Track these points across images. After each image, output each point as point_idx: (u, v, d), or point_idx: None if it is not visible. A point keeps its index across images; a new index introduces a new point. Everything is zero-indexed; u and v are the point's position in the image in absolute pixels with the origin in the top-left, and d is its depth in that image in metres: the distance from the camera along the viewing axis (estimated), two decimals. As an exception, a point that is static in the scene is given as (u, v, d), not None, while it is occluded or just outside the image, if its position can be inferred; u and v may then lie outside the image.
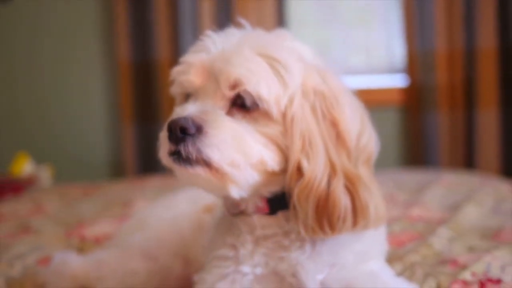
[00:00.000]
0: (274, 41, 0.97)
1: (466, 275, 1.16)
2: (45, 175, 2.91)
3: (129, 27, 3.17)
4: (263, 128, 0.93)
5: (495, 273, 1.16)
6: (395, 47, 3.29)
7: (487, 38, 3.02)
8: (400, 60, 3.25)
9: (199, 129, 0.90)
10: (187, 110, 0.93)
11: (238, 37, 0.98)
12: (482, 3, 3.01)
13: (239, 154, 0.91)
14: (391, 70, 3.33)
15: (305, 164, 0.92)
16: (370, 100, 3.35)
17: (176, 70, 1.00)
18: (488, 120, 3.05)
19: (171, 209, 1.37)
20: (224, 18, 3.15)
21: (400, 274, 1.18)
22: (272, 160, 0.94)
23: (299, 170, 0.93)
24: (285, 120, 0.94)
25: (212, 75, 0.94)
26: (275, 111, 0.93)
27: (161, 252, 1.27)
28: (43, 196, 2.44)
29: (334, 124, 0.95)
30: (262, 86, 0.91)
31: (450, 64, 3.11)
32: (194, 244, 1.23)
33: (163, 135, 0.94)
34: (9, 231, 1.85)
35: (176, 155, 0.92)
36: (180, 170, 0.94)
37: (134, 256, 1.28)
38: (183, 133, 0.90)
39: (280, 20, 3.18)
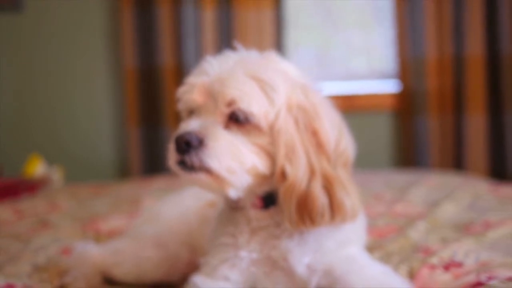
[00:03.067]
0: (263, 64, 1.12)
1: (434, 260, 1.33)
2: (56, 176, 3.03)
3: (135, 35, 3.26)
4: (254, 139, 1.08)
5: (459, 258, 1.32)
6: (388, 54, 3.41)
7: (475, 45, 3.14)
8: (393, 66, 3.36)
9: (201, 142, 1.05)
10: (191, 126, 1.08)
11: (233, 61, 1.12)
12: (470, 12, 3.13)
13: (235, 162, 1.06)
14: (385, 76, 3.45)
15: (288, 169, 1.08)
16: (366, 105, 3.49)
17: (181, 90, 1.15)
18: (476, 124, 3.16)
19: (178, 205, 1.51)
20: (225, 26, 3.26)
21: (378, 260, 1.33)
22: (262, 166, 1.09)
23: (283, 174, 1.08)
24: (273, 132, 1.09)
25: (212, 95, 1.09)
26: (264, 125, 1.08)
27: (171, 241, 1.40)
28: (56, 195, 2.58)
29: (314, 134, 1.10)
30: (253, 104, 1.07)
31: (440, 71, 3.22)
32: (199, 234, 1.37)
33: (171, 147, 1.08)
34: (30, 226, 1.99)
35: (182, 163, 1.07)
36: (185, 176, 1.09)
37: (147, 244, 1.41)
38: (187, 145, 1.05)
39: (278, 25, 3.28)
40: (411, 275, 1.29)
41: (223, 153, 1.06)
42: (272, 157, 1.10)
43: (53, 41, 3.45)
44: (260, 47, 3.21)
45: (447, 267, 1.28)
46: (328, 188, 1.08)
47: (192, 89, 1.13)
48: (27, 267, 1.48)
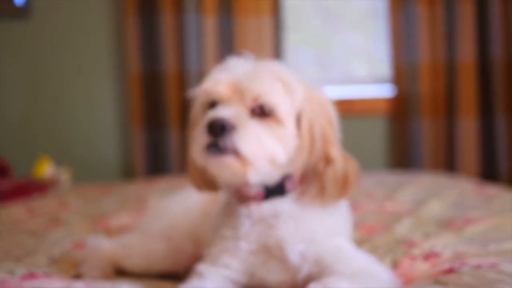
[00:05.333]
0: (279, 68, 1.26)
1: (415, 252, 1.46)
2: (64, 176, 3.11)
3: (139, 42, 3.34)
4: (274, 130, 1.21)
5: (438, 249, 1.45)
6: (383, 60, 3.51)
7: (467, 52, 3.24)
8: (388, 71, 3.46)
9: (233, 128, 1.16)
10: (223, 112, 1.19)
11: (253, 63, 1.26)
12: (462, 20, 3.23)
13: (260, 148, 1.18)
14: (380, 81, 3.55)
15: (334, 154, 1.24)
16: (361, 108, 3.59)
17: (205, 84, 1.26)
18: (468, 127, 3.26)
19: (182, 202, 1.62)
20: (226, 32, 3.35)
21: (366, 252, 1.46)
22: (280, 154, 1.21)
23: (327, 159, 1.24)
24: (300, 125, 1.23)
25: (238, 90, 1.21)
26: (284, 118, 1.21)
27: (176, 236, 1.52)
28: (65, 195, 2.68)
29: (331, 124, 1.26)
30: (277, 100, 1.20)
31: (433, 76, 3.32)
32: (202, 229, 1.48)
33: (201, 131, 1.19)
34: (43, 223, 2.09)
35: (212, 147, 1.18)
36: (214, 158, 1.19)
37: (154, 239, 1.53)
38: (222, 129, 1.16)
39: (277, 30, 3.37)
40: (394, 265, 1.42)
41: (251, 139, 1.17)
42: (287, 147, 1.22)
43: (59, 46, 3.54)
44: (260, 52, 3.34)
45: (426, 257, 1.41)
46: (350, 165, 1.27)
47: (217, 83, 1.24)
48: (44, 260, 1.57)
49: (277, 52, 3.39)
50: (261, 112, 1.20)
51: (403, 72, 3.35)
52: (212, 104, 1.25)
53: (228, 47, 3.37)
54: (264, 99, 1.20)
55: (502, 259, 1.25)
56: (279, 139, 1.21)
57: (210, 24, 3.33)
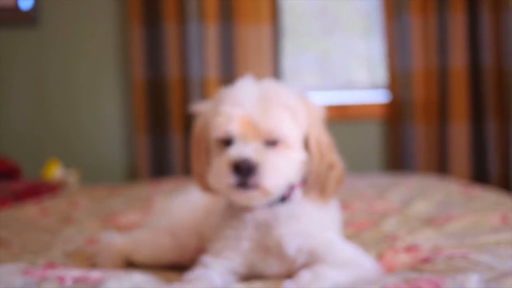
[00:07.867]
0: (284, 92, 1.37)
1: (398, 245, 1.60)
2: (72, 178, 3.23)
3: (143, 49, 3.44)
4: (288, 157, 1.34)
5: (418, 243, 1.59)
6: (378, 67, 3.63)
7: (459, 58, 3.35)
8: (382, 77, 3.58)
9: (258, 165, 1.29)
10: (246, 151, 1.30)
11: (259, 91, 1.36)
12: (454, 28, 3.35)
13: (280, 178, 1.32)
14: (375, 86, 3.66)
15: (336, 160, 1.40)
16: (357, 114, 3.70)
17: (219, 121, 1.35)
18: (459, 132, 3.37)
19: (187, 201, 1.75)
20: (226, 40, 3.46)
21: (354, 246, 1.60)
22: (294, 177, 1.36)
23: (332, 165, 1.39)
24: (308, 144, 1.37)
25: (251, 125, 1.32)
26: (294, 145, 1.35)
27: (181, 231, 1.64)
28: (75, 195, 2.80)
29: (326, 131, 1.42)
30: (288, 131, 1.33)
31: (426, 82, 3.43)
32: (205, 225, 1.60)
33: (225, 169, 1.29)
34: (55, 221, 2.22)
35: (240, 185, 1.30)
36: (241, 193, 1.31)
37: (161, 234, 1.65)
38: (248, 169, 1.28)
39: (276, 38, 3.48)
40: (379, 257, 1.56)
41: (274, 174, 1.31)
42: (298, 168, 1.37)
43: (66, 53, 3.65)
44: (259, 59, 3.44)
45: (408, 250, 1.55)
46: None
47: (231, 120, 1.34)
48: (60, 254, 1.71)
49: (276, 58, 3.50)
50: (274, 142, 1.33)
51: (397, 78, 3.46)
52: (227, 139, 1.35)
53: (229, 54, 3.48)
54: (277, 133, 1.32)
55: (473, 250, 1.39)
56: (292, 164, 1.35)
57: (211, 31, 3.44)
